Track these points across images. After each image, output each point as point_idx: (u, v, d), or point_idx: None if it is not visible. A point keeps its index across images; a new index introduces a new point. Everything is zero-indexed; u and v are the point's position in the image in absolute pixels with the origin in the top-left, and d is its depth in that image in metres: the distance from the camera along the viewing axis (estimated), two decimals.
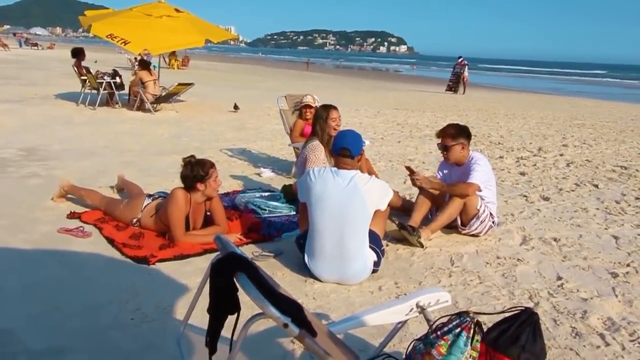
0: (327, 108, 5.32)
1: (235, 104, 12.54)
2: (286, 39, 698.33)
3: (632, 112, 19.73)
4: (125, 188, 5.15)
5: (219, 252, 1.86)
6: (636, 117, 17.26)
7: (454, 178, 4.71)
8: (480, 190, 4.49)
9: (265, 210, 4.95)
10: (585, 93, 33.53)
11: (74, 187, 4.92)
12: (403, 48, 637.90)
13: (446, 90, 25.29)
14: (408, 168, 4.75)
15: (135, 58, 26.21)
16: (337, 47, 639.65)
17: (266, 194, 5.47)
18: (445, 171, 4.88)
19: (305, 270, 3.66)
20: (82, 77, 12.29)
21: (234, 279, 1.60)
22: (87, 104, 11.73)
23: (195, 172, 4.00)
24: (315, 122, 5.34)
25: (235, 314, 1.68)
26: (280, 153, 7.94)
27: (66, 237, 4.12)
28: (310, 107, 6.52)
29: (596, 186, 6.81)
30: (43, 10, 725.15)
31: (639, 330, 3.12)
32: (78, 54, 12.65)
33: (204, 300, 1.79)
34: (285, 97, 7.47)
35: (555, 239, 4.69)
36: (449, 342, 1.90)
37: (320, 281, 3.58)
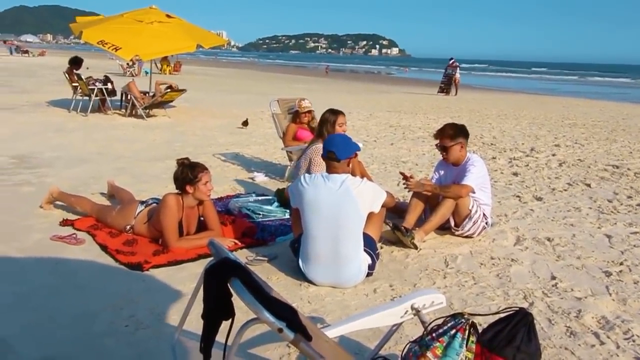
0: (336, 113, 5.34)
1: (246, 119, 11.03)
2: (278, 43, 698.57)
3: (623, 111, 19.87)
4: (116, 194, 5.12)
5: (212, 258, 1.86)
6: (627, 116, 17.38)
7: (450, 178, 4.73)
8: (474, 192, 4.50)
9: (259, 214, 4.94)
10: (577, 93, 33.73)
11: (64, 194, 4.89)
12: (395, 51, 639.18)
13: (438, 92, 25.36)
14: (402, 174, 4.75)
15: (127, 64, 26.22)
16: (329, 50, 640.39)
17: (260, 198, 5.46)
18: (441, 172, 4.89)
19: (299, 274, 3.65)
20: (74, 84, 12.24)
21: (228, 285, 1.59)
22: (78, 110, 11.68)
23: (185, 174, 4.00)
24: (321, 125, 5.35)
25: (230, 320, 1.67)
26: (273, 157, 7.94)
27: (59, 244, 4.09)
28: (311, 112, 6.58)
29: (588, 185, 6.84)
30: (34, 18, 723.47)
31: (633, 329, 3.13)
32: (77, 63, 12.58)
33: (199, 306, 1.78)
34: (278, 101, 7.47)
35: (548, 239, 4.71)
36: (445, 344, 1.91)
37: (315, 285, 3.57)
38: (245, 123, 10.91)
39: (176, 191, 4.12)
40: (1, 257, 3.85)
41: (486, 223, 4.64)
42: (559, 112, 17.70)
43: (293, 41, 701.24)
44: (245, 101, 16.28)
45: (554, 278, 3.87)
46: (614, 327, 3.15)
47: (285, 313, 1.55)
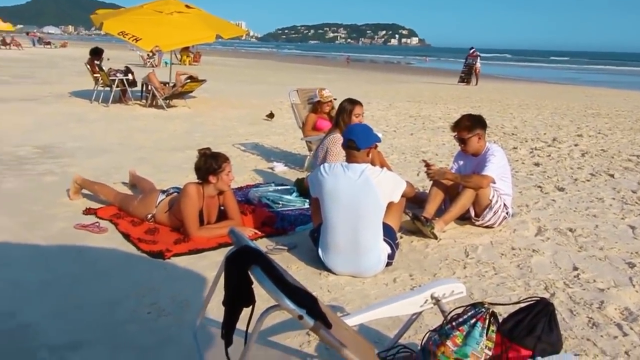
0: (353, 102, 5.33)
1: (271, 112, 10.86)
2: (297, 33, 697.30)
3: None
4: (137, 184, 5.19)
5: (233, 246, 1.87)
6: None
7: (470, 169, 4.69)
8: (494, 183, 4.46)
9: (279, 204, 4.97)
10: (600, 82, 33.15)
11: (87, 181, 4.96)
12: (414, 40, 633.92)
13: (458, 81, 25.13)
14: (424, 161, 4.73)
15: (148, 55, 26.40)
16: (348, 40, 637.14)
17: (279, 187, 5.48)
18: (461, 162, 4.86)
19: (319, 263, 3.67)
20: (95, 75, 12.37)
21: (249, 272, 1.61)
22: (100, 101, 11.82)
23: (209, 164, 4.03)
24: (338, 114, 5.36)
25: (250, 307, 1.69)
26: (292, 147, 7.95)
27: (82, 232, 4.16)
28: (332, 101, 6.58)
29: (612, 176, 6.74)
30: (55, 9, 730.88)
31: None
32: (97, 53, 12.72)
33: (219, 293, 1.80)
34: (297, 91, 7.47)
35: (570, 230, 4.66)
36: (464, 333, 1.91)
37: (335, 274, 3.59)
38: (270, 115, 10.73)
39: (197, 181, 4.15)
40: (26, 245, 3.92)
41: (507, 213, 4.61)
42: (582, 102, 17.43)
43: (312, 31, 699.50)
44: (264, 91, 16.30)
45: (576, 269, 3.83)
46: (637, 318, 3.11)
47: (306, 300, 1.56)
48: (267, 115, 10.79)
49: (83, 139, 7.83)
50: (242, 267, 1.60)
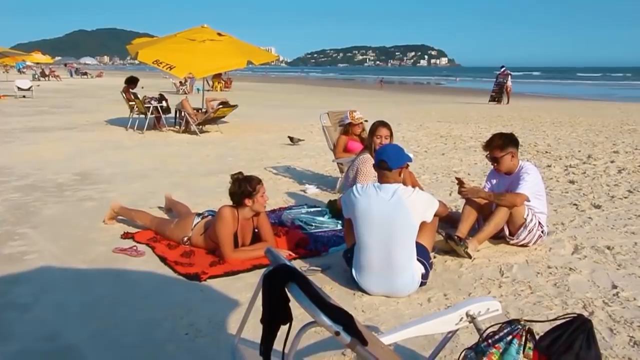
0: (377, 124, 5.46)
1: (292, 138, 10.59)
2: (326, 56, 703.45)
3: None
4: (173, 208, 5.30)
5: (269, 265, 1.92)
6: None
7: (503, 187, 4.66)
8: (529, 201, 4.42)
9: (312, 225, 5.00)
10: (636, 98, 32.50)
11: (125, 209, 5.10)
12: (444, 60, 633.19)
13: (489, 100, 24.98)
14: (458, 179, 4.73)
15: (180, 82, 26.99)
16: (377, 62, 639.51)
17: (312, 209, 5.52)
18: (494, 181, 4.83)
19: (353, 284, 3.68)
20: (130, 103, 12.72)
21: (286, 289, 1.64)
22: (135, 128, 12.13)
23: (243, 188, 4.10)
24: (368, 135, 5.51)
25: (288, 324, 1.72)
26: (324, 169, 8.01)
27: (121, 256, 4.27)
28: (362, 123, 6.64)
29: None
30: (92, 41, 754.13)
31: None
32: (133, 82, 13.13)
33: (255, 314, 1.84)
34: (328, 113, 7.55)
35: (608, 247, 4.57)
36: (501, 350, 1.90)
37: (369, 294, 3.59)
38: (293, 140, 10.51)
39: (231, 203, 4.23)
40: (68, 268, 4.04)
41: (542, 232, 4.55)
42: (617, 118, 17.11)
43: (341, 54, 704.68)
44: (295, 115, 16.48)
45: (615, 287, 3.76)
46: None
47: (342, 317, 1.58)
48: (291, 140, 10.57)
49: (120, 165, 8.04)
50: (279, 284, 1.64)
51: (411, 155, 4.02)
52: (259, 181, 4.19)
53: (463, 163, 8.66)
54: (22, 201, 5.94)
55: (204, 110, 12.75)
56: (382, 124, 5.45)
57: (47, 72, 41.03)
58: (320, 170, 8.00)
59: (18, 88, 22.67)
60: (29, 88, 22.84)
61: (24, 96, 22.20)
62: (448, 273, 4.02)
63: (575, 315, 1.96)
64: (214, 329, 3.11)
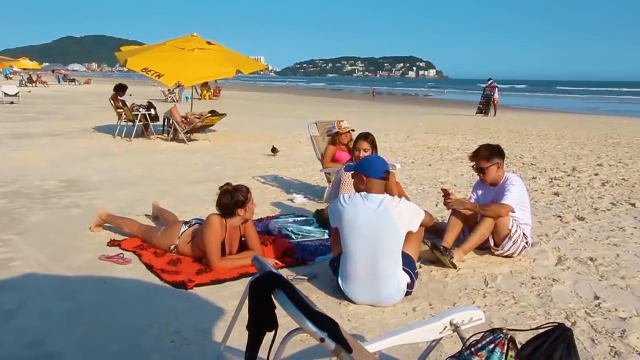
0: (359, 137, 5.50)
1: (273, 147, 10.51)
2: (315, 67, 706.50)
3: None
4: (160, 216, 5.30)
5: (256, 273, 1.94)
6: None
7: (489, 198, 4.72)
8: (514, 212, 4.48)
9: (299, 235, 5.02)
10: (621, 112, 32.94)
11: (112, 217, 5.09)
12: (432, 72, 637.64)
13: (477, 113, 25.20)
14: (444, 190, 4.77)
15: (169, 90, 26.96)
16: (366, 73, 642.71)
17: (299, 219, 5.55)
18: (480, 192, 4.89)
19: (339, 293, 3.70)
20: (119, 110, 12.69)
21: (272, 297, 1.67)
22: (123, 135, 12.11)
23: (237, 198, 4.12)
24: (352, 147, 5.65)
25: (273, 332, 1.74)
26: (312, 179, 8.04)
27: (107, 264, 4.26)
28: (350, 132, 6.68)
29: (633, 205, 6.69)
30: (80, 47, 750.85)
31: None
32: (121, 89, 13.12)
33: (241, 322, 1.85)
34: (316, 123, 7.59)
35: (591, 259, 4.63)
36: (484, 359, 1.93)
37: (355, 303, 3.62)
38: (274, 150, 10.43)
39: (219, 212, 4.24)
40: (54, 275, 4.02)
41: (527, 243, 4.61)
42: (602, 131, 17.33)
43: (330, 65, 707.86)
44: (283, 125, 16.52)
45: (597, 298, 3.81)
46: None
47: (328, 324, 1.61)
48: (271, 150, 10.39)
49: (107, 173, 8.01)
50: (266, 291, 1.66)
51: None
52: (248, 189, 4.22)
53: (450, 174, 8.73)
54: (7, 208, 5.90)
55: (189, 120, 12.69)
56: (364, 136, 5.50)
57: (34, 79, 40.81)
58: (308, 180, 8.03)
59: (5, 94, 22.51)
60: (16, 94, 22.70)
61: (11, 102, 22.07)
62: (433, 283, 4.06)
63: (557, 324, 2.00)
64: (200, 337, 3.12)
